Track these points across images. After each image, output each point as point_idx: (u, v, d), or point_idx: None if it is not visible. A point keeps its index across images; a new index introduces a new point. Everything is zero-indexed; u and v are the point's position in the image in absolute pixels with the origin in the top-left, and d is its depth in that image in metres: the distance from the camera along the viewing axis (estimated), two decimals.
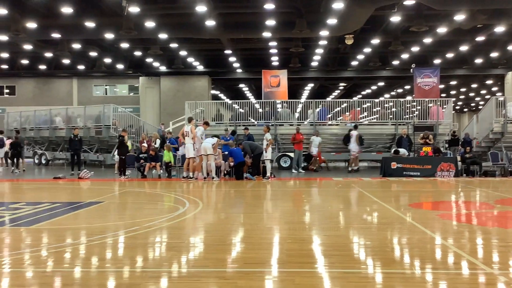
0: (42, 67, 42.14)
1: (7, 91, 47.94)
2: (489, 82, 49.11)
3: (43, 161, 28.79)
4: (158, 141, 22.42)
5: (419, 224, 8.52)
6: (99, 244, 7.13)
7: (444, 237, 7.59)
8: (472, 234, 8.02)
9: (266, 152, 18.41)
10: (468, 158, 19.97)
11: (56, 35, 27.82)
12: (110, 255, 6.62)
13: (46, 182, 18.55)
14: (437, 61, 37.05)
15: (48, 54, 36.56)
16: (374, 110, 26.19)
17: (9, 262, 6.15)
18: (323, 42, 31.58)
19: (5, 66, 42.36)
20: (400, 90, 53.58)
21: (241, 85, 51.18)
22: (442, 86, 39.76)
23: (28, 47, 33.29)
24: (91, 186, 16.67)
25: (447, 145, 24.15)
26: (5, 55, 38.18)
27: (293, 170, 21.73)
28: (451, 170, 19.09)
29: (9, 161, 24.83)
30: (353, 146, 21.70)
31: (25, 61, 41.17)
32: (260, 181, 17.51)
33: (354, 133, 21.78)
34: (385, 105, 25.75)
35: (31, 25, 25.56)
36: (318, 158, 22.47)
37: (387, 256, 6.39)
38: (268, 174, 18.31)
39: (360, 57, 36.36)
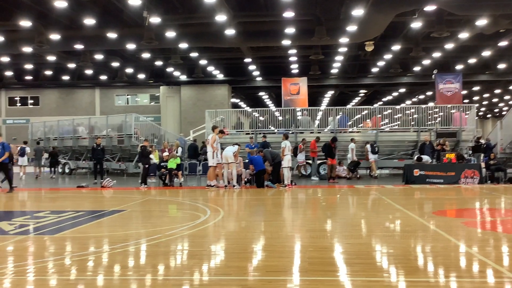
0: (66, 77, 42.89)
1: (31, 101, 48.86)
2: None
3: (67, 170, 29.22)
4: (180, 149, 22.56)
5: (443, 231, 8.39)
6: (122, 252, 7.18)
7: (468, 244, 7.46)
8: (497, 242, 7.87)
9: (283, 160, 18.29)
10: (492, 164, 19.65)
11: (79, 46, 28.29)
12: (133, 263, 6.66)
13: (70, 191, 18.79)
14: (459, 66, 36.63)
15: (71, 65, 37.20)
16: (395, 117, 25.99)
17: (33, 270, 6.23)
18: (343, 49, 31.50)
19: (29, 77, 43.25)
20: (421, 97, 53.09)
21: (261, 93, 51.29)
22: (464, 92, 39.28)
23: (51, 58, 33.93)
24: (114, 195, 16.83)
25: (470, 152, 23.82)
26: (29, 66, 38.99)
27: (313, 178, 21.92)
28: (475, 177, 18.80)
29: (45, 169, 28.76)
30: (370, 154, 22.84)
31: (48, 72, 41.93)
32: (280, 189, 17.45)
33: (368, 146, 22.76)
34: (407, 111, 25.54)
35: (55, 36, 26.05)
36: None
37: (411, 264, 6.30)
38: (286, 182, 18.20)
39: (381, 63, 36.16)
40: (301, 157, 22.55)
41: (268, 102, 55.95)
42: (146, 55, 34.15)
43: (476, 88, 48.66)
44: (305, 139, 22.61)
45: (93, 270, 6.28)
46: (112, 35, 25.92)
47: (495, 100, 60.05)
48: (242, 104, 55.40)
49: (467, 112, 24.57)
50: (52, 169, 27.26)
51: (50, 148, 28.06)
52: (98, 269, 6.30)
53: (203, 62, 36.51)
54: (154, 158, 20.74)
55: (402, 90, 49.48)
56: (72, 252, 7.30)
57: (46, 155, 30.08)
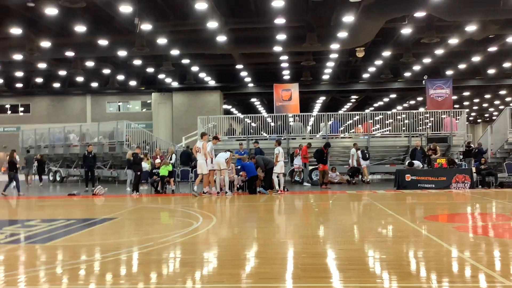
0: (56, 85, 42.72)
1: (22, 109, 48.62)
2: (502, 92, 48.77)
3: (58, 178, 29.03)
4: (174, 156, 22.52)
5: (435, 236, 8.42)
6: (114, 261, 7.13)
7: (460, 249, 7.49)
8: (489, 247, 7.90)
9: (275, 166, 18.39)
10: (483, 169, 19.76)
11: (70, 53, 28.21)
12: (125, 271, 6.62)
13: (61, 199, 18.67)
14: (449, 72, 36.90)
15: (62, 72, 37.08)
16: (386, 122, 26.10)
17: (24, 280, 6.17)
18: (334, 55, 31.65)
19: (20, 85, 43.03)
20: (412, 102, 53.38)
21: (253, 99, 51.36)
22: (455, 97, 39.50)
23: (42, 65, 33.79)
24: (105, 203, 16.73)
25: (461, 157, 23.96)
26: (20, 73, 38.79)
27: (305, 184, 21.94)
28: (466, 182, 18.89)
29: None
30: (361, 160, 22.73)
31: (39, 80, 41.76)
32: (273, 196, 17.45)
33: (359, 151, 22.60)
34: (398, 117, 25.66)
35: (45, 44, 25.96)
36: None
37: (404, 269, 6.31)
38: (277, 187, 18.24)
39: (372, 69, 36.36)
40: (297, 162, 22.61)
41: (260, 108, 56.02)
42: (137, 62, 34.10)
43: (466, 93, 49.02)
44: (301, 144, 22.67)
45: (84, 279, 6.23)
46: (103, 42, 25.88)
47: (485, 105, 60.51)
48: (234, 110, 55.43)
49: (457, 117, 24.74)
50: (41, 177, 27.09)
51: (38, 156, 27.90)
52: (90, 278, 6.26)
53: (194, 68, 36.53)
54: (147, 164, 20.67)
55: (393, 95, 49.75)
56: (63, 261, 7.24)
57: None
